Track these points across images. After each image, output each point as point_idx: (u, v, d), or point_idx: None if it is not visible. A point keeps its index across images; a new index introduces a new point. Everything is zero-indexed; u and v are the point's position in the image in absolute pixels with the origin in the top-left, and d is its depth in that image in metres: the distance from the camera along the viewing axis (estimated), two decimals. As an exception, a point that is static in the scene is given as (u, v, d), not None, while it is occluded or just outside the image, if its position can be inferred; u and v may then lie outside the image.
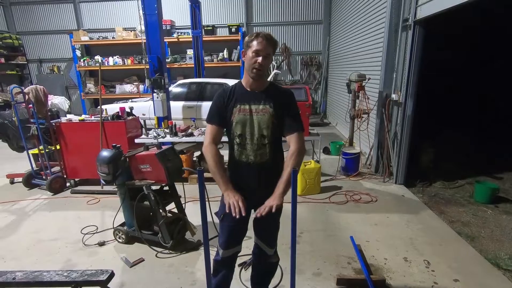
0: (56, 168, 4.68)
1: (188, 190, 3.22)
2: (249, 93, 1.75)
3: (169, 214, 3.04)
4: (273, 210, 1.60)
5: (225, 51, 9.89)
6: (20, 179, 4.69)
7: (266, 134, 1.73)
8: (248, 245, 2.51)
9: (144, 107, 6.74)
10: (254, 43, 1.64)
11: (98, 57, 10.14)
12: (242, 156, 1.77)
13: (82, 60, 10.26)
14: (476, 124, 6.81)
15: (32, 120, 4.31)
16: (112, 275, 1.65)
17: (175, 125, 4.64)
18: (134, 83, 10.52)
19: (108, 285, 1.65)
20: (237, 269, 2.54)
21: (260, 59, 1.63)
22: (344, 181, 4.75)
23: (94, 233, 3.32)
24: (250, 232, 1.99)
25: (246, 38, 1.71)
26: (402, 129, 4.35)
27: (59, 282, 1.58)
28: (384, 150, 4.72)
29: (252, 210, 1.91)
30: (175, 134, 4.56)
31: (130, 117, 4.59)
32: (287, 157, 1.73)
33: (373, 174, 4.94)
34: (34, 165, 4.68)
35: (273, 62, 10.04)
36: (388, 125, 4.59)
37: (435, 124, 6.45)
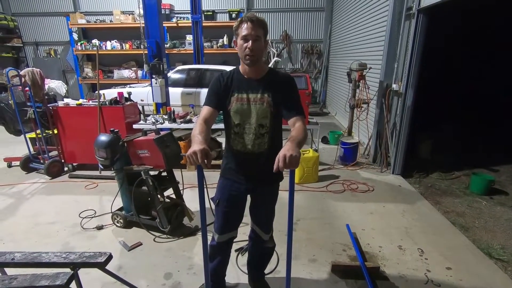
0: (54, 153, 4.67)
1: (186, 176, 3.23)
2: (247, 81, 1.69)
3: (167, 200, 3.06)
4: (287, 159, 1.35)
5: (225, 37, 9.74)
6: (18, 162, 4.68)
7: (264, 123, 1.70)
8: (245, 231, 2.54)
9: (143, 93, 6.68)
10: (241, 29, 1.57)
11: (95, 41, 9.97)
12: (239, 145, 1.74)
13: (79, 44, 10.08)
14: (476, 116, 6.82)
15: (28, 103, 4.26)
16: (110, 257, 1.66)
17: (173, 111, 4.61)
18: (132, 68, 10.38)
19: (107, 267, 1.67)
20: (233, 254, 2.59)
21: (249, 44, 1.55)
22: (342, 170, 4.77)
23: (92, 217, 3.34)
24: (247, 218, 2.01)
25: (233, 26, 1.62)
26: (402, 120, 4.34)
27: (58, 263, 1.60)
28: (382, 141, 4.72)
29: (248, 196, 1.92)
30: (173, 120, 4.53)
31: (128, 103, 4.54)
32: (291, 131, 1.62)
33: (371, 164, 4.96)
34: (31, 149, 4.66)
35: (273, 50, 9.91)
36: (387, 116, 4.57)
37: (435, 116, 6.45)
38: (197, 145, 1.42)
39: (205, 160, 1.38)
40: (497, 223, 3.33)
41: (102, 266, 1.62)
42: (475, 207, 3.67)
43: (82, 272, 1.66)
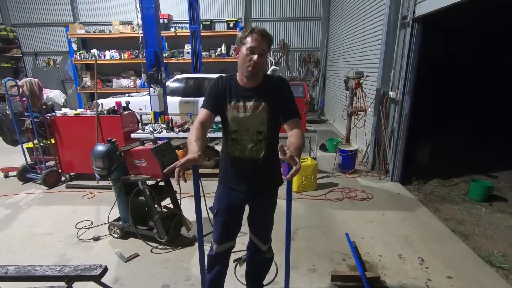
0: (51, 162, 4.64)
1: (183, 185, 3.19)
2: (243, 89, 1.70)
3: (165, 210, 3.04)
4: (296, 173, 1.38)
5: (223, 46, 9.83)
6: (15, 173, 4.65)
7: (261, 130, 1.70)
8: (243, 241, 2.51)
9: (141, 102, 6.70)
10: (249, 39, 1.57)
11: (94, 51, 10.04)
12: (237, 152, 1.74)
13: (78, 54, 10.15)
14: (473, 122, 6.85)
15: (26, 114, 4.26)
16: (105, 270, 1.63)
17: (171, 120, 4.61)
18: (131, 78, 10.45)
19: (102, 280, 1.64)
20: (232, 264, 2.56)
21: (255, 57, 1.56)
22: (341, 178, 4.76)
23: (89, 228, 3.31)
24: (245, 227, 1.99)
25: (240, 34, 1.63)
26: (399, 127, 4.36)
27: (52, 276, 1.57)
28: (380, 148, 4.73)
29: (247, 206, 1.90)
30: (171, 129, 4.53)
31: (126, 112, 4.55)
32: (289, 137, 1.63)
33: (370, 171, 4.95)
34: (28, 159, 4.64)
35: (271, 58, 10.00)
36: (385, 123, 4.59)
37: (432, 122, 6.48)
38: (190, 153, 1.46)
39: (180, 172, 1.42)
40: (497, 230, 3.31)
41: (97, 279, 1.59)
42: (475, 214, 3.66)
43: (78, 285, 1.63)
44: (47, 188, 4.38)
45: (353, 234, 3.12)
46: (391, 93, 4.45)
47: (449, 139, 6.09)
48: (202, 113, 1.70)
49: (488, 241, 3.09)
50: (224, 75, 1.77)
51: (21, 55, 11.02)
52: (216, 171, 4.46)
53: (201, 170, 3.54)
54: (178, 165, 1.39)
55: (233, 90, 1.70)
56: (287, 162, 1.41)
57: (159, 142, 2.94)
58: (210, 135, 4.32)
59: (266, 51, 1.62)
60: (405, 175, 4.56)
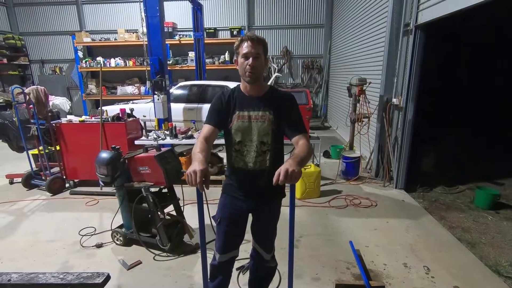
0: (56, 169, 4.67)
1: (186, 192, 3.21)
2: (248, 98, 1.71)
3: (168, 217, 3.03)
4: (289, 173, 1.37)
5: (226, 53, 9.92)
6: (20, 179, 4.69)
7: (266, 141, 1.70)
8: (247, 249, 2.49)
9: (145, 109, 6.74)
10: (241, 48, 1.61)
11: (100, 59, 10.19)
12: (241, 163, 1.74)
13: (84, 61, 10.31)
14: (478, 129, 6.79)
15: (32, 121, 4.31)
16: (108, 278, 1.62)
17: (175, 127, 4.64)
18: (136, 85, 10.56)
19: (104, 288, 1.63)
20: (235, 273, 2.53)
21: (250, 61, 1.59)
22: (344, 185, 4.73)
23: (92, 235, 3.31)
24: (249, 235, 1.98)
25: (234, 45, 1.66)
26: (403, 134, 4.34)
27: (55, 284, 1.56)
28: (384, 155, 4.70)
29: (250, 215, 1.89)
30: (175, 136, 4.55)
31: (131, 119, 4.59)
32: (294, 150, 1.63)
33: (373, 178, 4.92)
34: (33, 166, 4.68)
35: (274, 65, 10.07)
36: (388, 130, 4.57)
37: (436, 129, 6.43)
38: (197, 164, 1.42)
39: (203, 184, 1.39)
40: (504, 238, 3.26)
41: (99, 287, 1.59)
42: (481, 222, 3.60)
43: (80, 294, 1.63)
44: (51, 194, 4.40)
45: (357, 242, 3.09)
46: (394, 100, 4.45)
47: (453, 143, 6.04)
48: (205, 128, 1.71)
49: (495, 250, 3.03)
50: (226, 90, 1.78)
51: (28, 63, 11.22)
52: (219, 178, 4.47)
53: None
54: (199, 176, 1.37)
55: (238, 100, 1.71)
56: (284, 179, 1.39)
57: (163, 149, 2.95)
58: (213, 144, 4.33)
59: (262, 53, 1.62)
60: (409, 182, 4.52)
